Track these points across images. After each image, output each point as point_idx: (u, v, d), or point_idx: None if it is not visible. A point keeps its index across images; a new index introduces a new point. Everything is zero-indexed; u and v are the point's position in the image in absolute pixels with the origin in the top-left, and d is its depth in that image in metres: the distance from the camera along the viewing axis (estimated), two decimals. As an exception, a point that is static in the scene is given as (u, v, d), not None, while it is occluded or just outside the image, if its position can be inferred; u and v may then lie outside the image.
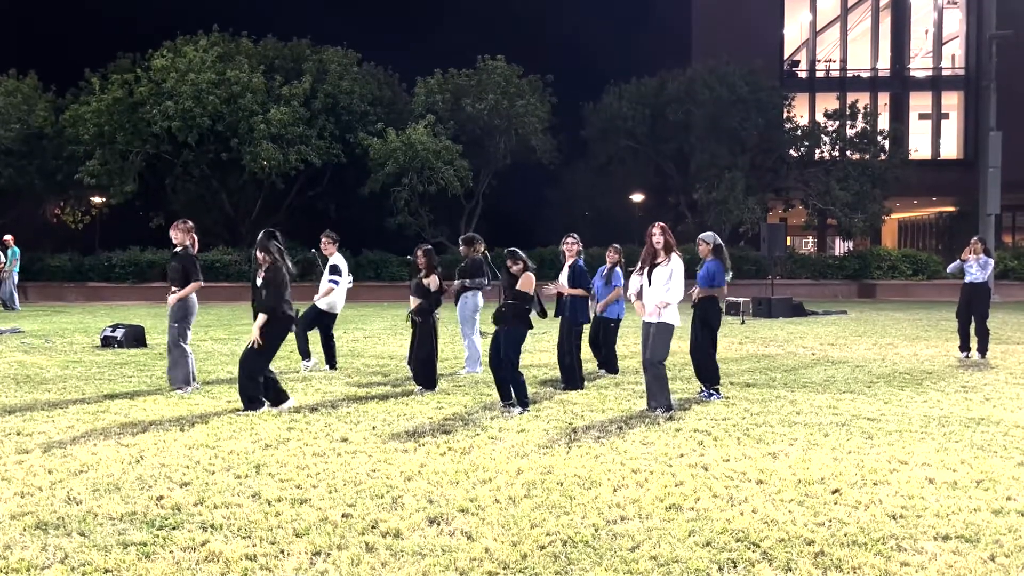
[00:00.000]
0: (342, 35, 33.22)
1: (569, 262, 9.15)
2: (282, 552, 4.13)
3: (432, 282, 8.85)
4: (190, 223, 9.07)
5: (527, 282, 7.79)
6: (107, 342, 12.87)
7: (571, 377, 8.96)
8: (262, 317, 7.50)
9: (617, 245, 10.26)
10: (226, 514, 4.65)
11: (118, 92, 28.85)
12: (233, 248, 29.72)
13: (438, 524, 4.51)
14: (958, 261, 12.07)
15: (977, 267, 11.69)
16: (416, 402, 8.13)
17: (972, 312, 11.73)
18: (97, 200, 33.78)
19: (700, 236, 8.82)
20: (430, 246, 9.26)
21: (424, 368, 8.79)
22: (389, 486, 5.18)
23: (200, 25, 31.49)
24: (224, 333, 15.14)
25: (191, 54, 29.14)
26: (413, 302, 9.00)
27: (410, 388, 8.97)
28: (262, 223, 32.31)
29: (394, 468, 5.58)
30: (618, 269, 10.04)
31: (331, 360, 10.45)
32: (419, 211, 30.01)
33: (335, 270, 10.30)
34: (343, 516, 4.62)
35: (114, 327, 13.21)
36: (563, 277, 9.11)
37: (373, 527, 4.46)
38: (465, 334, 10.17)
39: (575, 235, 9.26)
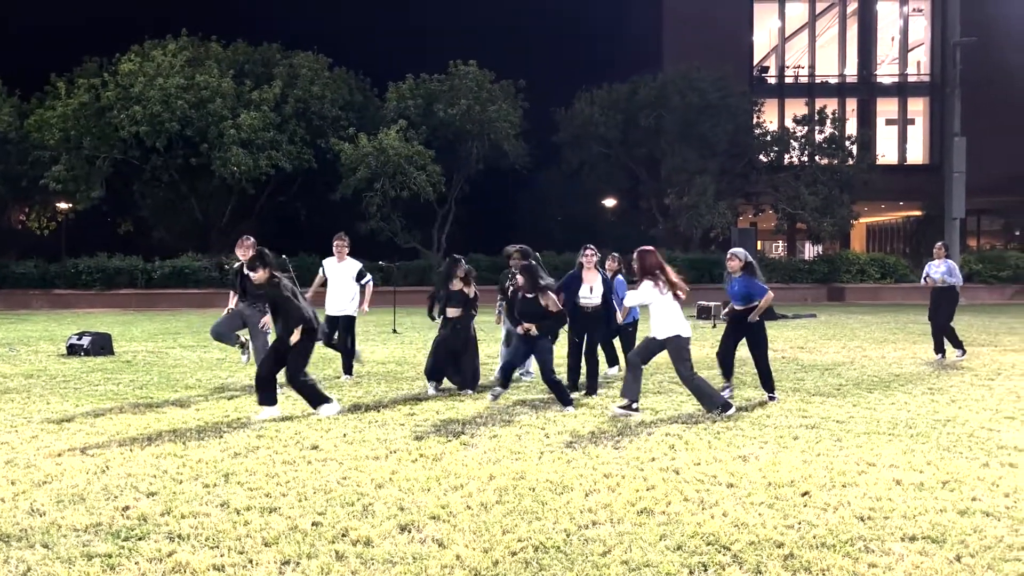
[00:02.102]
0: (313, 40, 33.00)
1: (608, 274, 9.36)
2: (251, 562, 4.09)
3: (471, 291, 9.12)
4: (251, 239, 9.22)
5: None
6: (73, 350, 12.68)
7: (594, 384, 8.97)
8: (297, 331, 7.50)
9: (616, 253, 10.27)
10: (194, 524, 4.59)
11: (84, 96, 28.50)
12: (203, 254, 29.46)
13: (409, 531, 4.49)
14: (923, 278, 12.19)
15: (945, 269, 11.83)
16: (387, 409, 8.09)
17: (939, 311, 11.90)
18: (63, 206, 33.33)
19: (731, 251, 8.73)
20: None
21: (478, 373, 9.23)
22: (360, 494, 5.14)
23: (168, 29, 31.28)
24: (192, 340, 14.98)
25: (159, 58, 28.87)
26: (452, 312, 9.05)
27: (379, 395, 8.93)
28: (233, 228, 32.15)
29: (365, 475, 5.55)
30: (620, 277, 10.05)
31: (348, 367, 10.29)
32: (391, 216, 29.92)
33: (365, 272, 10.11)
34: (313, 524, 4.58)
35: (80, 335, 13.02)
36: (596, 286, 9.00)
37: (343, 535, 4.42)
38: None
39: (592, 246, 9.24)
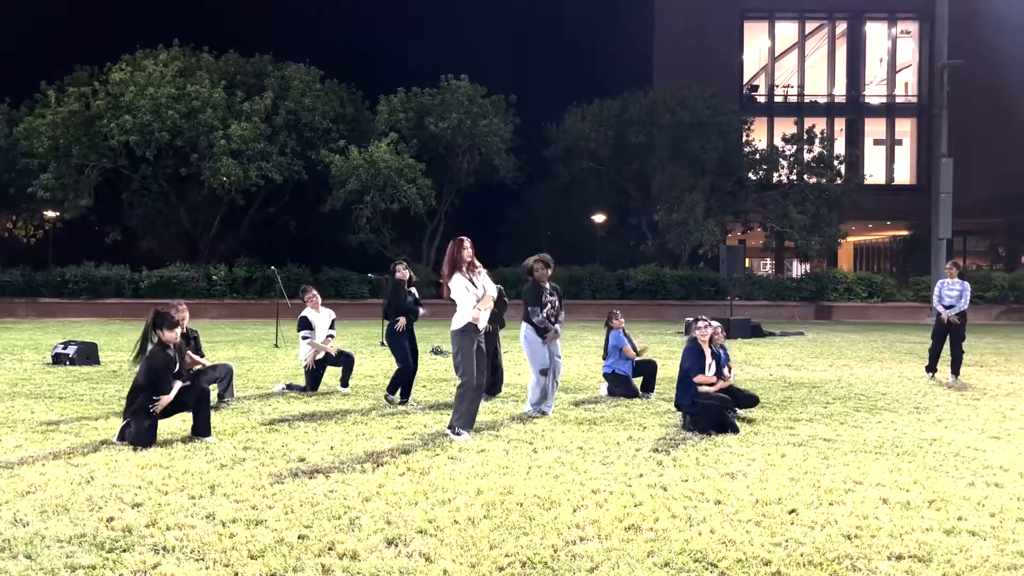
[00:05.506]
0: (305, 52, 33.07)
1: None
2: (236, 575, 4.06)
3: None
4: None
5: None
6: (58, 359, 12.60)
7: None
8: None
9: (617, 311, 10.26)
10: (179, 536, 4.56)
11: (75, 105, 28.43)
12: (191, 265, 29.34)
13: (396, 546, 4.47)
14: (935, 299, 12.06)
15: (957, 292, 11.77)
16: (375, 422, 8.06)
17: (950, 334, 11.79)
18: (51, 214, 33.18)
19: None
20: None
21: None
22: (347, 507, 5.12)
23: (161, 39, 31.27)
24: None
25: (151, 68, 28.85)
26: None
27: (368, 407, 8.91)
28: (221, 239, 32.10)
29: (352, 489, 5.52)
30: (619, 332, 9.96)
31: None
32: (381, 229, 29.92)
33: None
34: (299, 538, 4.56)
35: (66, 344, 12.94)
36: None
37: (330, 549, 4.40)
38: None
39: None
